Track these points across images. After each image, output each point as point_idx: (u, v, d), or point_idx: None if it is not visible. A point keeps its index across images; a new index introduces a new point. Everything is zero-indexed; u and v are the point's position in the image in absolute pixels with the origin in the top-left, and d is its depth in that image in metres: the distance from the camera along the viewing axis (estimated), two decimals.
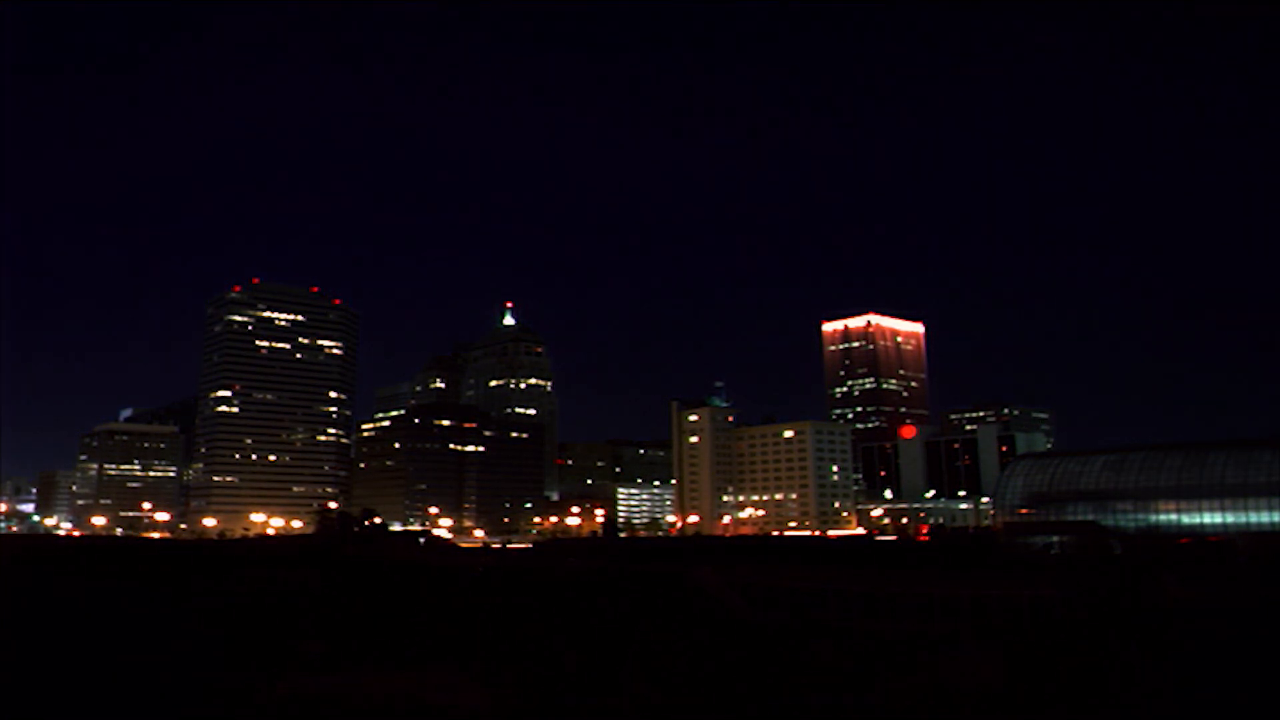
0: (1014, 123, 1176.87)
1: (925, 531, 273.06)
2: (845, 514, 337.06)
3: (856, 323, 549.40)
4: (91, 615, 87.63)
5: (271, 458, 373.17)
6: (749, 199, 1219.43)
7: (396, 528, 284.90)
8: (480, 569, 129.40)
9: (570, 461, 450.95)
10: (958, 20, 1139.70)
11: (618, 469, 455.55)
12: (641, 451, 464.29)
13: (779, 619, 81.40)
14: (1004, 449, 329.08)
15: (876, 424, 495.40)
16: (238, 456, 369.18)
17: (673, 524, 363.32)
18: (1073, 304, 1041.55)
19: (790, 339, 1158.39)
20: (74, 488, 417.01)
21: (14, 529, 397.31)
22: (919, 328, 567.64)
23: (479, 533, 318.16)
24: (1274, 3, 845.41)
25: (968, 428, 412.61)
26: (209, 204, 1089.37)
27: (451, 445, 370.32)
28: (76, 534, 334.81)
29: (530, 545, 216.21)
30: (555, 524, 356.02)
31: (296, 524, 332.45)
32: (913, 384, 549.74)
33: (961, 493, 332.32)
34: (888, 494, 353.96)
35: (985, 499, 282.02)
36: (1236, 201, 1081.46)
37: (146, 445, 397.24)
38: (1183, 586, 72.77)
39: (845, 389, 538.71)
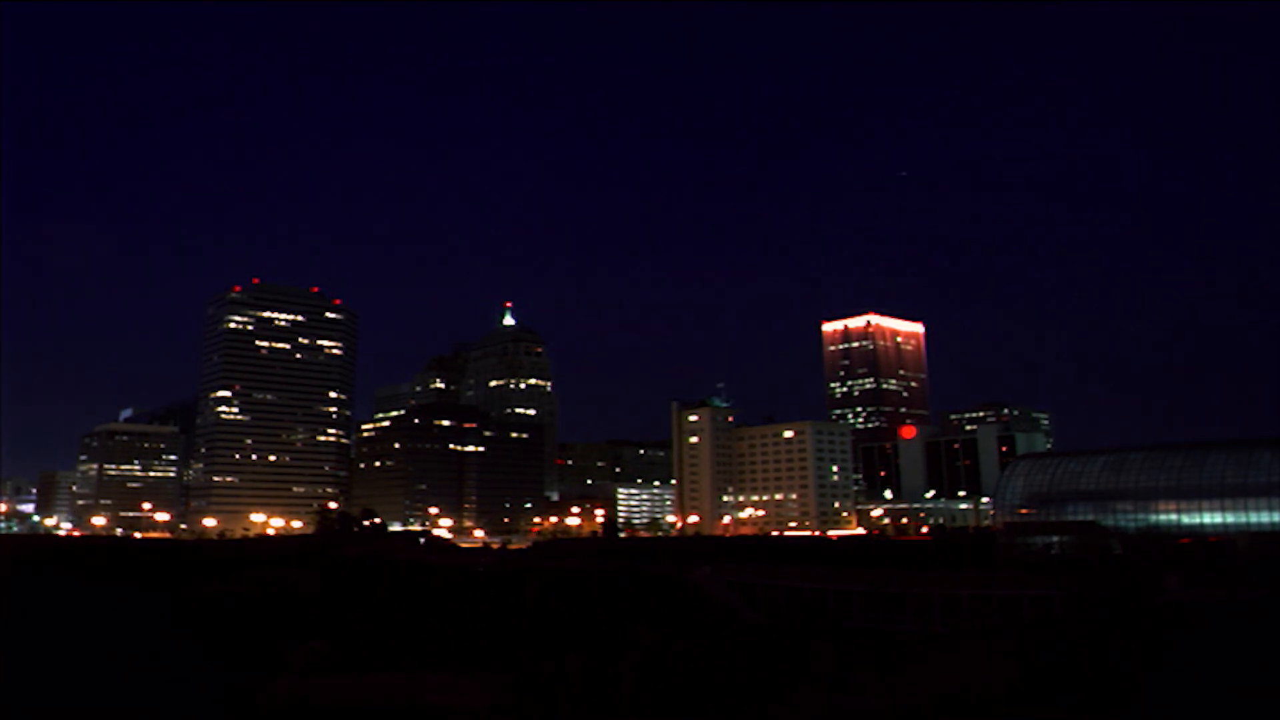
0: (1014, 122, 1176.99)
1: (925, 532, 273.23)
2: (845, 514, 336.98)
3: (856, 323, 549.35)
4: (91, 615, 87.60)
5: (271, 458, 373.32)
6: (749, 199, 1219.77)
7: (396, 528, 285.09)
8: (480, 569, 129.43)
9: (570, 461, 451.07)
10: (958, 20, 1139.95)
11: (618, 469, 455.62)
12: (641, 451, 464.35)
13: (779, 619, 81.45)
14: (1004, 449, 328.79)
15: (876, 424, 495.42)
16: (238, 456, 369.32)
17: (673, 524, 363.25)
18: (1072, 304, 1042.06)
19: (790, 339, 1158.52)
20: (74, 488, 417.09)
21: (14, 529, 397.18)
22: (919, 328, 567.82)
23: (479, 533, 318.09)
24: (1274, 4, 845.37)
25: (968, 428, 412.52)
26: (209, 204, 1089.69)
27: (451, 445, 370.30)
28: (76, 534, 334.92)
29: (530, 545, 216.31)
30: (555, 524, 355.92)
31: (296, 524, 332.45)
32: (913, 384, 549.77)
33: (961, 493, 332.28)
34: (888, 494, 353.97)
35: (985, 499, 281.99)
36: (1236, 201, 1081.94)
37: (146, 445, 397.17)
38: (1183, 586, 72.81)
39: (845, 389, 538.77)
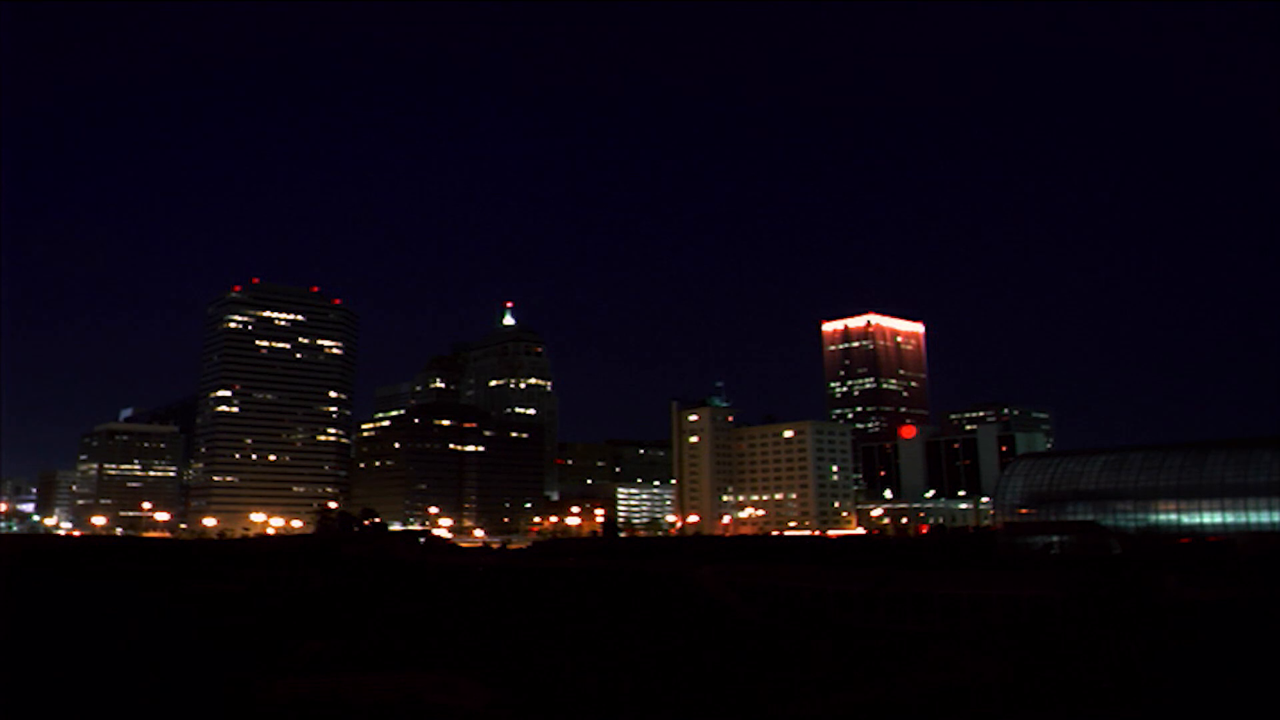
0: (1014, 122, 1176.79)
1: (925, 531, 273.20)
2: (845, 514, 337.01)
3: (856, 323, 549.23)
4: (91, 615, 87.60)
5: (271, 458, 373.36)
6: (749, 199, 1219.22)
7: (396, 527, 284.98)
8: (480, 569, 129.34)
9: (570, 461, 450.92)
10: (958, 19, 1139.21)
11: (618, 469, 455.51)
12: (641, 451, 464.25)
13: (779, 619, 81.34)
14: (1004, 449, 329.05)
15: (876, 424, 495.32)
16: (238, 456, 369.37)
17: (673, 524, 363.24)
18: (1073, 304, 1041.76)
19: (790, 339, 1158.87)
20: (74, 488, 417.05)
21: (14, 529, 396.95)
22: (919, 328, 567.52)
23: (479, 533, 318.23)
24: (1274, 3, 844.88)
25: (968, 428, 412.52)
26: (209, 204, 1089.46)
27: (451, 445, 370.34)
28: (76, 534, 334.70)
29: (530, 545, 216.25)
30: (555, 524, 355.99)
31: (296, 524, 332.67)
32: (913, 384, 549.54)
33: (961, 493, 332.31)
34: (888, 494, 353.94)
35: (985, 499, 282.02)
36: (1236, 201, 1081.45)
37: (146, 445, 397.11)
38: (1183, 586, 72.68)
39: (845, 389, 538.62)
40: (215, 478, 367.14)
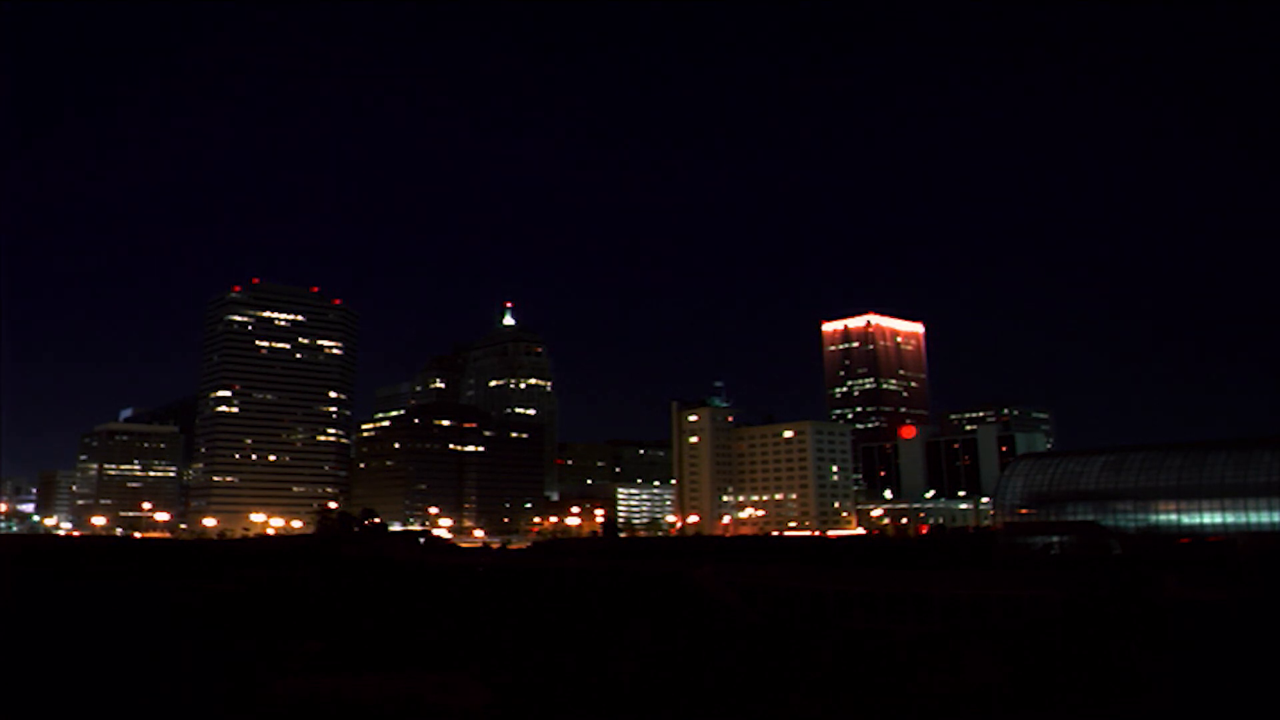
0: (1014, 122, 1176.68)
1: (925, 532, 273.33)
2: (845, 514, 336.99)
3: (856, 323, 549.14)
4: (91, 615, 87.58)
5: (271, 458, 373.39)
6: (748, 199, 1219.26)
7: (396, 528, 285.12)
8: (480, 569, 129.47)
9: (570, 461, 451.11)
10: (957, 20, 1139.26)
11: (618, 469, 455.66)
12: (641, 451, 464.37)
13: (779, 619, 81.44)
14: (1004, 449, 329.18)
15: (876, 424, 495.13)
16: (238, 456, 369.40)
17: (673, 524, 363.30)
18: (1073, 304, 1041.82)
19: (790, 339, 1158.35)
20: (74, 488, 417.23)
21: (14, 529, 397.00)
22: (919, 328, 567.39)
23: (479, 533, 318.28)
24: (1273, 5, 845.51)
25: (968, 428, 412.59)
26: (209, 204, 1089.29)
27: (451, 445, 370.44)
28: (76, 534, 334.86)
29: (530, 545, 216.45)
30: (555, 524, 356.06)
31: (296, 524, 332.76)
32: (913, 384, 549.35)
33: (961, 493, 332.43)
34: (888, 494, 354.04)
35: (985, 499, 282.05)
36: (1236, 201, 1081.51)
37: (146, 445, 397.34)
38: (1183, 586, 72.73)
39: (845, 389, 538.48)
40: (215, 478, 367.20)
